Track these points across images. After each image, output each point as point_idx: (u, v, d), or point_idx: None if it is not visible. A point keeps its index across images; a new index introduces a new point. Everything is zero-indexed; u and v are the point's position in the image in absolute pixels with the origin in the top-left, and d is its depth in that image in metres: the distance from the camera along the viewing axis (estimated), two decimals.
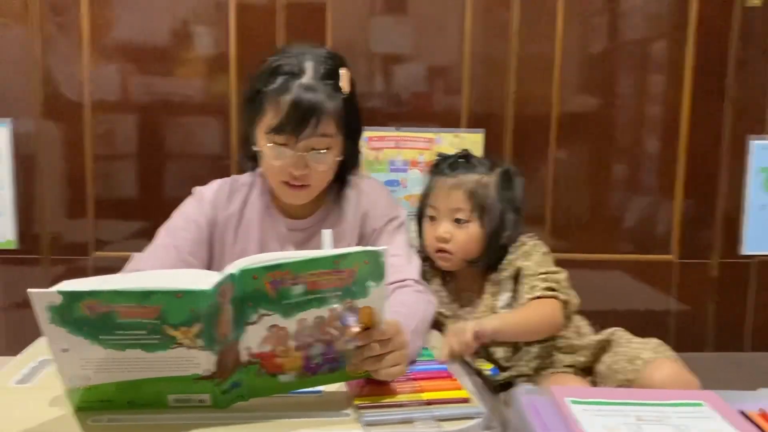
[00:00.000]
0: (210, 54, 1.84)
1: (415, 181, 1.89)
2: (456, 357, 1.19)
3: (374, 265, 0.88)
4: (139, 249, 1.82)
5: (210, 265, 1.33)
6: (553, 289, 1.35)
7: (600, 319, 1.47)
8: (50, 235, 1.88)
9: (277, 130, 1.20)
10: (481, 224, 1.40)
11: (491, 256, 1.42)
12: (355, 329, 0.91)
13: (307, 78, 1.21)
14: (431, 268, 1.48)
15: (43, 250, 1.89)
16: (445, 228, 1.41)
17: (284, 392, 0.95)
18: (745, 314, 2.02)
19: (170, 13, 1.83)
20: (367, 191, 1.38)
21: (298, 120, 1.19)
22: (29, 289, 0.78)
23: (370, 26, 1.87)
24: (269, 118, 1.22)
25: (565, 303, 1.36)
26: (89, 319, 0.80)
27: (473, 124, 1.90)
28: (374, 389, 0.95)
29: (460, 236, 1.40)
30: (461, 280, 1.47)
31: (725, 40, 1.91)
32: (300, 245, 1.34)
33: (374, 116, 1.88)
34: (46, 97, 1.83)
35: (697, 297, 2.00)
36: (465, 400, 0.93)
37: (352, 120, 1.28)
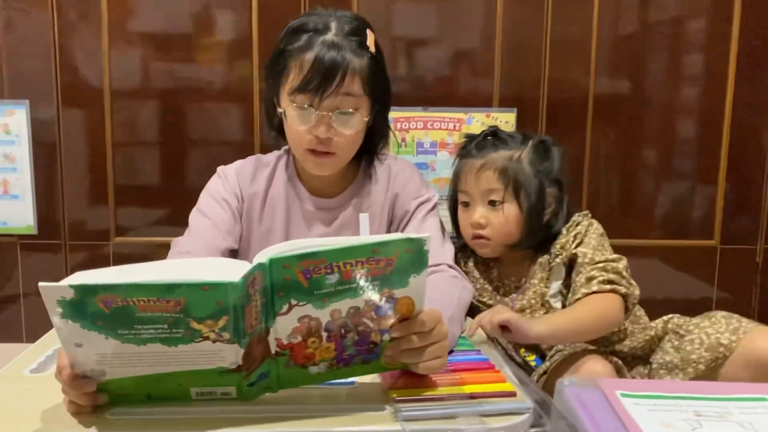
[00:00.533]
0: (232, 39, 1.80)
1: (444, 164, 1.82)
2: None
3: (416, 254, 0.81)
4: (160, 235, 1.81)
5: (240, 242, 1.29)
6: (612, 282, 1.23)
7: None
8: (70, 221, 1.85)
9: (300, 88, 1.14)
10: (518, 204, 1.31)
11: (534, 237, 1.33)
12: (392, 320, 0.85)
13: (331, 35, 1.15)
14: (471, 255, 1.41)
15: (63, 236, 1.85)
16: (479, 213, 1.33)
17: (315, 383, 0.88)
18: None
19: None
20: (397, 172, 1.32)
21: (322, 77, 1.12)
22: (40, 283, 0.72)
23: (397, 8, 1.81)
24: (292, 77, 1.16)
25: (625, 297, 1.24)
26: (104, 314, 0.74)
27: (505, 105, 1.83)
28: (411, 381, 0.89)
29: (496, 220, 1.32)
30: (506, 265, 1.38)
31: None
32: (327, 225, 1.28)
33: (402, 98, 1.82)
34: (66, 83, 1.81)
35: (739, 284, 1.93)
36: (511, 394, 0.86)
37: (379, 81, 1.21)
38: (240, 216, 1.28)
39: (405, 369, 0.90)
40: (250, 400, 0.85)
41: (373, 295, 0.82)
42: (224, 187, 1.29)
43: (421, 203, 1.31)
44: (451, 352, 1.01)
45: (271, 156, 1.34)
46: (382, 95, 1.23)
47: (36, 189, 1.83)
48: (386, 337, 0.86)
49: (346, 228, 1.29)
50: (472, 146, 1.37)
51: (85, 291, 0.72)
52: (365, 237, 0.82)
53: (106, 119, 1.82)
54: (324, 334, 0.83)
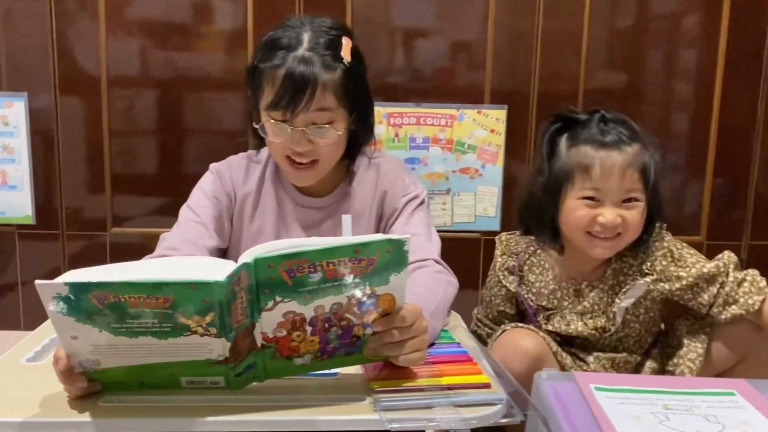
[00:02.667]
0: (229, 28, 1.82)
1: (436, 159, 1.85)
2: None
3: (396, 254, 0.84)
4: (157, 225, 1.83)
5: (230, 241, 1.31)
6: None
7: None
8: (67, 211, 1.88)
9: (273, 106, 1.16)
10: (646, 201, 1.28)
11: (648, 236, 1.31)
12: (374, 315, 0.88)
13: (302, 50, 1.16)
14: (527, 258, 1.39)
15: (61, 225, 1.88)
16: (617, 212, 1.26)
17: (300, 374, 0.92)
18: None
19: None
20: (386, 170, 1.35)
21: (293, 94, 1.14)
22: (36, 281, 0.75)
23: (388, 2, 1.82)
24: (266, 94, 1.18)
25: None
26: (98, 309, 0.78)
27: (496, 100, 1.85)
28: (392, 373, 0.92)
29: (631, 217, 1.26)
30: (566, 267, 1.36)
31: (762, 14, 1.83)
32: (317, 224, 1.31)
33: (395, 92, 1.84)
34: (63, 72, 1.82)
35: None
36: (486, 386, 0.90)
37: (356, 91, 1.21)
38: (231, 215, 1.31)
39: (387, 361, 0.93)
40: (238, 389, 0.89)
41: (356, 293, 0.85)
42: (216, 185, 1.31)
43: (410, 200, 1.33)
44: (432, 345, 1.04)
45: (263, 153, 1.37)
46: (359, 104, 1.24)
47: (34, 179, 1.85)
48: (369, 331, 0.90)
49: (336, 226, 1.31)
50: (593, 132, 1.30)
51: (79, 288, 0.76)
52: (348, 238, 0.86)
53: (103, 108, 1.84)
54: (308, 328, 0.87)
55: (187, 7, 1.81)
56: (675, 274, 1.29)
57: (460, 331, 1.16)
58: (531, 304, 1.37)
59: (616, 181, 1.25)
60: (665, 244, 1.32)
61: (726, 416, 0.88)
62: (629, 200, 1.26)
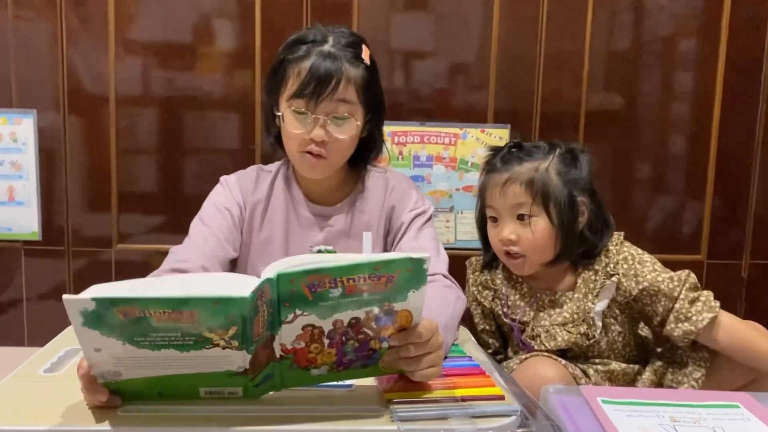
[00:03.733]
0: (234, 49, 1.84)
1: (440, 177, 1.88)
2: None
3: (416, 272, 0.86)
4: (161, 242, 1.85)
5: (240, 250, 1.34)
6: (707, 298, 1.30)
7: None
8: (73, 228, 1.89)
9: (297, 94, 1.22)
10: (548, 216, 1.29)
11: (570, 249, 1.31)
12: (391, 330, 0.90)
13: (328, 46, 1.23)
14: (498, 271, 1.42)
15: (67, 242, 1.89)
16: (509, 229, 1.31)
17: (316, 384, 0.93)
18: None
19: (195, 8, 1.83)
20: (394, 185, 1.38)
21: (318, 83, 1.20)
22: (64, 296, 0.77)
23: (396, 21, 1.86)
24: (290, 84, 1.23)
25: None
26: (123, 323, 0.79)
27: (499, 119, 1.88)
28: (407, 384, 0.94)
29: (526, 235, 1.30)
30: (538, 279, 1.38)
31: (760, 37, 1.87)
32: (324, 233, 1.34)
33: (400, 111, 1.87)
34: (70, 91, 1.84)
35: (726, 298, 1.95)
36: (500, 397, 0.91)
37: (373, 92, 1.28)
38: (241, 225, 1.34)
39: (401, 373, 0.95)
40: (255, 399, 0.90)
41: (374, 308, 0.87)
42: (226, 196, 1.34)
43: (417, 215, 1.36)
44: (444, 358, 1.06)
45: (273, 166, 1.40)
46: (375, 105, 1.30)
47: (41, 196, 1.86)
48: (385, 344, 0.91)
49: (343, 236, 1.34)
50: (497, 160, 1.36)
51: (105, 303, 0.78)
52: (369, 255, 0.88)
53: (110, 127, 1.85)
54: (326, 341, 0.88)
55: (195, 29, 1.83)
56: (633, 274, 1.31)
57: (470, 345, 1.18)
58: (509, 320, 1.39)
59: (500, 199, 1.32)
60: (625, 249, 1.35)
61: (732, 428, 0.89)
62: (521, 217, 1.31)
